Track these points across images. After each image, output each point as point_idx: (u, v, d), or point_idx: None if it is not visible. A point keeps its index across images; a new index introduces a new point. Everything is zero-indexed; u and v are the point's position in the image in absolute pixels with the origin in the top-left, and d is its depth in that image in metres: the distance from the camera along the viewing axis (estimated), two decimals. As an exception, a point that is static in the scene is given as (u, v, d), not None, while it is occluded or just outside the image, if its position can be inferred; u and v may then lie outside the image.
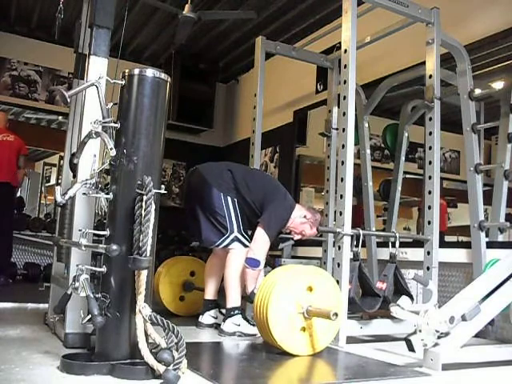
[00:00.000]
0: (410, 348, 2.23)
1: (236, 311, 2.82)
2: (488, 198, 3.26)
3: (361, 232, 2.78)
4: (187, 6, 4.35)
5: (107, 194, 1.90)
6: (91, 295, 1.80)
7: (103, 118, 1.95)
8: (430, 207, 3.04)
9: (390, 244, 2.96)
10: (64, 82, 6.02)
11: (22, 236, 5.61)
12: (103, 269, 1.85)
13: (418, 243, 3.18)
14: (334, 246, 3.36)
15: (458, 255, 3.25)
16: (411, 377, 2.02)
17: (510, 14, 3.30)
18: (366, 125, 3.94)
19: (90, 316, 1.77)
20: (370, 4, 3.17)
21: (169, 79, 1.99)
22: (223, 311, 2.93)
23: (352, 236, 2.74)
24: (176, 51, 6.10)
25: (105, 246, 1.81)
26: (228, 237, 2.85)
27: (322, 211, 4.20)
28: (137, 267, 1.76)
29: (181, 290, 3.49)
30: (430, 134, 3.10)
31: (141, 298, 1.79)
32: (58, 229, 2.80)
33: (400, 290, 2.86)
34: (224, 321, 2.82)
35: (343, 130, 2.79)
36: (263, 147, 4.13)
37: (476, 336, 2.36)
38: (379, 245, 3.74)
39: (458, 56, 3.31)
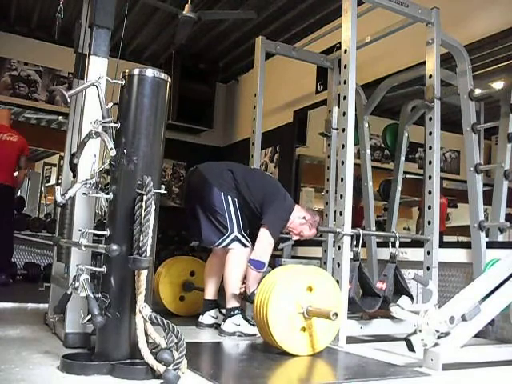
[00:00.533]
0: (410, 348, 2.23)
1: (236, 311, 2.82)
2: (488, 198, 3.26)
3: (361, 232, 2.78)
4: (187, 6, 4.35)
5: (107, 194, 1.90)
6: (91, 295, 1.80)
7: (103, 117, 1.95)
8: (430, 207, 3.04)
9: (390, 244, 2.96)
10: (64, 82, 6.01)
11: (22, 236, 5.61)
12: (103, 269, 1.85)
13: (417, 243, 3.18)
14: (334, 246, 3.36)
15: (458, 255, 3.25)
16: (411, 377, 2.02)
17: (510, 14, 3.30)
18: (366, 125, 3.94)
19: (89, 316, 1.77)
20: (370, 4, 3.18)
21: (169, 79, 1.99)
22: (223, 311, 2.93)
23: (352, 236, 2.74)
24: (176, 51, 6.10)
25: (105, 246, 1.81)
26: (228, 236, 2.85)
27: (321, 211, 4.21)
28: (137, 267, 1.76)
29: (181, 290, 3.49)
30: (430, 134, 3.10)
31: (141, 298, 1.79)
32: (57, 229, 2.80)
33: (400, 289, 2.86)
34: (224, 321, 2.82)
35: (343, 130, 2.79)
36: (263, 147, 4.13)
37: (476, 336, 2.36)
38: (379, 245, 3.74)
39: (458, 56, 3.31)
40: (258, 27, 5.23)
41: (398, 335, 2.88)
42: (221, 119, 6.86)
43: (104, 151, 1.96)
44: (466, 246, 3.25)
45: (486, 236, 3.16)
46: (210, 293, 3.10)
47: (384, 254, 3.39)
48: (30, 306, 3.35)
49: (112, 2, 2.30)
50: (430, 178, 3.07)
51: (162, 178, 4.96)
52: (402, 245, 3.06)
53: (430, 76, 3.13)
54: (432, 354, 2.13)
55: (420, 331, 2.14)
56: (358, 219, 3.72)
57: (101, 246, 1.84)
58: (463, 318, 2.19)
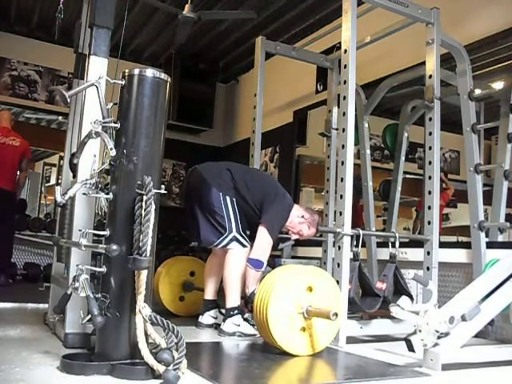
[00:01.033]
0: (410, 348, 2.23)
1: (236, 311, 2.82)
2: (488, 198, 3.26)
3: (361, 232, 2.78)
4: (187, 6, 4.34)
5: (107, 194, 1.90)
6: (91, 295, 1.80)
7: (103, 117, 1.95)
8: (429, 207, 3.04)
9: (390, 244, 2.96)
10: (64, 82, 6.01)
11: (22, 236, 5.61)
12: (103, 269, 1.85)
13: (417, 243, 3.18)
14: (334, 246, 3.36)
15: (458, 255, 3.25)
16: (411, 377, 2.02)
17: (510, 14, 3.30)
18: (366, 125, 3.94)
19: (89, 316, 1.76)
20: (370, 4, 3.17)
21: (169, 79, 1.99)
22: (223, 311, 2.93)
23: (352, 236, 2.74)
24: (176, 51, 6.10)
25: (105, 246, 1.81)
26: (227, 236, 2.85)
27: (321, 211, 4.21)
28: (137, 267, 1.76)
29: (180, 290, 3.49)
30: (430, 134, 3.10)
31: (141, 298, 1.79)
32: (57, 229, 2.81)
33: (400, 290, 2.86)
34: (224, 321, 2.82)
35: (343, 130, 2.79)
36: (263, 147, 4.13)
37: (476, 336, 2.36)
38: (379, 245, 3.74)
39: (458, 56, 3.31)
40: (258, 27, 5.23)
41: (397, 335, 2.88)
42: (221, 119, 6.86)
43: (104, 151, 1.96)
44: (466, 246, 3.25)
45: (486, 236, 3.16)
46: (209, 293, 3.10)
47: (384, 254, 3.39)
48: (30, 306, 3.35)
49: (112, 2, 2.30)
50: (429, 178, 3.07)
51: (162, 178, 4.96)
52: (402, 245, 3.06)
53: (430, 76, 3.13)
54: (432, 354, 2.13)
55: (420, 331, 2.14)
56: (357, 219, 3.72)
57: (101, 246, 1.83)
58: (463, 318, 2.19)
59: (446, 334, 2.15)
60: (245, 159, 3.77)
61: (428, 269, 2.99)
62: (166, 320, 1.79)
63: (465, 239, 4.00)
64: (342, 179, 2.74)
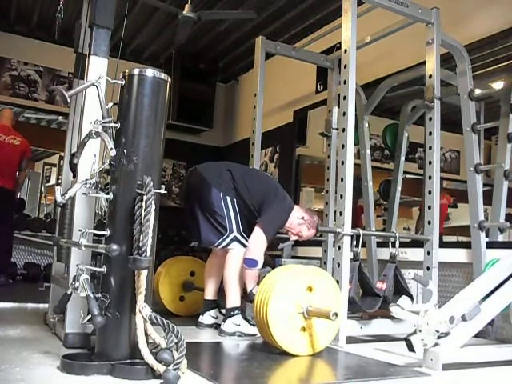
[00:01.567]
0: (410, 348, 2.23)
1: (236, 311, 2.82)
2: (488, 198, 3.26)
3: (361, 232, 2.78)
4: (187, 6, 4.34)
5: (107, 194, 1.90)
6: (91, 295, 1.80)
7: (103, 117, 1.95)
8: (430, 207, 3.04)
9: (390, 244, 2.96)
10: (64, 82, 6.01)
11: (22, 236, 5.60)
12: (103, 269, 1.85)
13: (417, 243, 3.18)
14: (334, 246, 3.36)
15: (458, 255, 3.25)
16: (411, 377, 2.02)
17: (510, 14, 3.30)
18: (366, 125, 3.94)
19: (90, 316, 1.76)
20: (370, 4, 3.17)
21: (169, 79, 1.99)
22: (223, 311, 2.93)
23: (352, 236, 2.74)
24: (176, 51, 6.10)
25: (105, 245, 1.81)
26: (227, 237, 2.85)
27: (321, 211, 4.21)
28: (137, 267, 1.76)
29: (181, 290, 3.49)
30: (430, 134, 3.10)
31: (141, 298, 1.79)
32: (57, 229, 2.80)
33: (400, 289, 2.86)
34: (224, 321, 2.82)
35: (343, 130, 2.79)
36: (263, 147, 4.13)
37: (476, 336, 2.36)
38: (379, 245, 3.74)
39: (458, 56, 3.31)
40: (258, 27, 5.23)
41: (397, 335, 2.88)
42: (221, 119, 6.86)
43: (104, 151, 1.96)
44: (466, 246, 3.25)
45: (486, 236, 3.16)
46: (209, 293, 3.10)
47: (384, 254, 3.39)
48: (30, 306, 3.36)
49: (112, 2, 2.30)
50: (430, 178, 3.07)
51: (162, 178, 4.96)
52: (402, 245, 3.06)
53: (430, 76, 3.13)
54: (432, 354, 2.13)
55: (420, 331, 2.14)
56: (357, 220, 3.72)
57: (101, 246, 1.83)
58: (463, 318, 2.19)
59: (446, 334, 2.15)
60: (245, 159, 3.77)
61: (428, 269, 2.99)
62: (166, 320, 1.79)
63: (465, 239, 4.00)
64: (342, 179, 2.74)
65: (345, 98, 2.81)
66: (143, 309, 1.79)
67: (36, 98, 5.95)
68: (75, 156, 2.16)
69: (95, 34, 2.27)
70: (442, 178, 3.26)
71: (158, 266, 3.53)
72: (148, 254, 1.75)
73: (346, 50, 2.83)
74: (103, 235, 1.88)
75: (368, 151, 3.91)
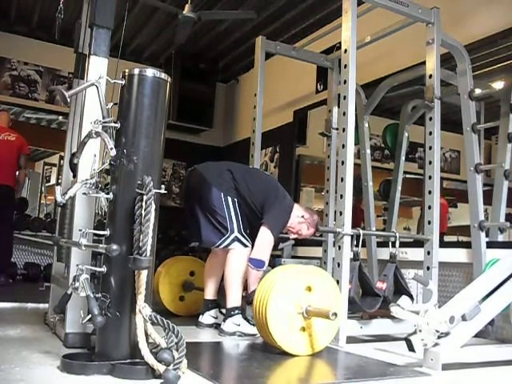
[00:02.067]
0: (410, 348, 2.23)
1: (236, 311, 2.82)
2: (488, 198, 3.26)
3: (361, 232, 2.78)
4: (187, 6, 4.34)
5: (107, 193, 1.90)
6: (91, 295, 1.80)
7: (103, 117, 1.95)
8: (430, 207, 3.04)
9: (390, 244, 2.96)
10: (64, 82, 6.01)
11: (22, 236, 5.60)
12: (103, 269, 1.85)
13: (418, 243, 3.18)
14: (334, 245, 3.36)
15: (458, 255, 3.25)
16: (411, 377, 2.02)
17: (510, 14, 3.30)
18: (366, 125, 3.93)
19: (90, 316, 1.77)
20: (370, 4, 3.17)
21: (169, 79, 2.00)
22: (223, 311, 2.93)
23: (352, 236, 2.74)
24: (176, 51, 6.10)
25: (105, 245, 1.81)
26: (228, 237, 2.85)
27: (321, 211, 4.21)
28: (137, 267, 1.76)
29: (180, 290, 3.49)
30: (430, 133, 3.10)
31: (141, 298, 1.79)
32: (57, 229, 2.80)
33: (400, 289, 2.86)
34: (224, 321, 2.82)
35: (343, 129, 2.79)
36: (263, 147, 4.13)
37: (476, 336, 2.36)
38: (379, 245, 3.74)
39: (458, 56, 3.31)
40: (258, 27, 5.23)
41: (398, 335, 2.88)
42: (221, 119, 6.86)
43: (104, 151, 1.96)
44: (466, 245, 3.25)
45: (486, 236, 3.16)
46: (209, 293, 3.10)
47: (384, 254, 3.39)
48: (30, 305, 3.35)
49: (112, 2, 2.30)
50: (430, 178, 3.07)
51: (162, 178, 4.95)
52: (402, 245, 3.06)
53: (430, 76, 3.13)
54: (432, 353, 2.13)
55: (420, 331, 2.14)
56: (357, 221, 3.72)
57: (101, 245, 1.83)
58: (463, 318, 2.19)
59: (447, 334, 2.15)
60: (245, 159, 3.77)
61: (428, 268, 2.99)
62: (166, 320, 1.79)
63: (465, 239, 4.00)
64: (342, 179, 2.74)
65: (345, 97, 2.81)
66: (143, 309, 1.79)
67: (36, 97, 5.95)
68: (75, 156, 2.16)
69: (95, 34, 2.27)
70: (442, 178, 3.26)
71: (157, 265, 3.53)
72: (148, 253, 1.75)
73: (345, 50, 2.83)
74: (103, 235, 1.88)
75: (368, 151, 3.91)
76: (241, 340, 2.70)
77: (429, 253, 3.01)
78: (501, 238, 3.19)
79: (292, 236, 3.11)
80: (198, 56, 6.25)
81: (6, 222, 4.84)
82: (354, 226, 2.76)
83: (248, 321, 2.81)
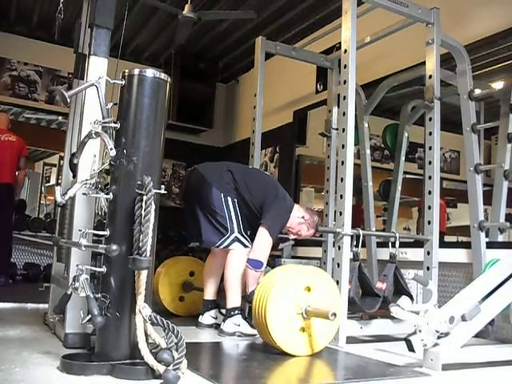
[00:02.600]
0: (410, 348, 2.23)
1: (236, 311, 2.82)
2: (488, 198, 3.26)
3: (361, 232, 2.78)
4: (187, 6, 4.34)
5: (107, 194, 1.90)
6: (91, 295, 1.80)
7: (103, 117, 1.95)
8: (429, 207, 3.04)
9: (390, 244, 2.96)
10: (64, 82, 6.01)
11: (22, 236, 5.60)
12: (103, 269, 1.85)
13: (418, 243, 3.18)
14: (333, 246, 3.36)
15: (458, 255, 3.25)
16: (411, 377, 2.02)
17: (510, 14, 3.30)
18: (366, 125, 3.93)
19: (89, 316, 1.77)
20: (370, 4, 3.17)
21: (169, 79, 2.00)
22: (223, 311, 2.93)
23: (352, 236, 2.74)
24: (176, 51, 6.10)
25: (105, 246, 1.81)
26: (228, 237, 2.85)
27: (321, 211, 4.21)
28: (137, 267, 1.76)
29: (180, 291, 3.49)
30: (430, 134, 3.10)
31: (141, 298, 1.79)
32: (57, 229, 2.80)
33: (400, 290, 2.86)
34: (224, 321, 2.82)
35: (343, 130, 2.79)
36: (263, 147, 4.13)
37: (476, 336, 2.36)
38: (379, 245, 3.74)
39: (458, 56, 3.31)
40: (258, 27, 5.23)
41: (398, 335, 2.88)
42: (221, 119, 6.86)
43: (104, 151, 1.96)
44: (466, 246, 3.25)
45: (486, 236, 3.16)
46: (209, 293, 3.10)
47: (384, 254, 3.38)
48: (30, 305, 3.35)
49: (112, 2, 2.30)
50: (429, 178, 3.07)
51: (162, 178, 4.96)
52: (402, 245, 3.06)
53: (430, 76, 3.13)
54: (432, 353, 2.12)
55: (420, 331, 2.14)
56: (357, 222, 3.71)
57: (101, 246, 1.83)
58: (463, 318, 2.19)
59: (446, 334, 2.15)
60: (245, 159, 3.77)
61: (428, 269, 2.99)
62: (166, 320, 1.79)
63: (465, 239, 4.00)
64: (342, 179, 2.74)
65: (345, 98, 2.81)
66: (143, 309, 1.79)
67: (36, 98, 5.94)
68: (75, 156, 2.16)
69: (95, 34, 2.27)
70: (441, 178, 3.26)
71: (157, 266, 3.53)
72: (148, 254, 1.75)
73: (345, 50, 2.83)
74: (103, 235, 1.88)
75: (368, 151, 3.91)
76: (240, 340, 2.70)
77: (429, 253, 3.01)
78: (501, 238, 3.18)
79: (292, 236, 3.11)
80: (198, 56, 6.25)
81: (5, 221, 4.84)
82: (353, 227, 2.76)
83: (248, 321, 2.81)
